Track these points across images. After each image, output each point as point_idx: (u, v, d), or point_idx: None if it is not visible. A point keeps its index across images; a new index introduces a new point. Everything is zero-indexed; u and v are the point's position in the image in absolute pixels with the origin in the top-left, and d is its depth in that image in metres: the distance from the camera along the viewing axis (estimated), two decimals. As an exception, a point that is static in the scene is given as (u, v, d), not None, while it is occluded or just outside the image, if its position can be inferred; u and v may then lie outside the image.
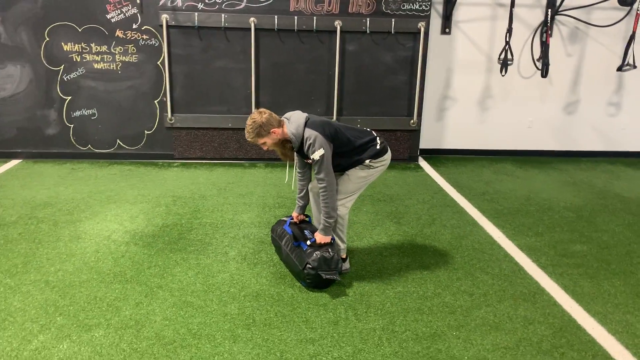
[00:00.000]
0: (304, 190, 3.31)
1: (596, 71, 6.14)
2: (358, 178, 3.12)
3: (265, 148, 3.05)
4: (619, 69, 5.66)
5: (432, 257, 3.52)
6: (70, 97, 5.47)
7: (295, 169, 3.30)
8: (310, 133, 2.92)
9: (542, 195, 4.90)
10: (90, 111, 5.53)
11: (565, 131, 6.35)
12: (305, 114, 3.01)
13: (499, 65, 5.77)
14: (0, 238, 3.64)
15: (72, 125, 5.54)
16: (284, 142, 3.04)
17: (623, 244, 3.82)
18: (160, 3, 5.23)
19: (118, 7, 5.23)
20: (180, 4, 5.24)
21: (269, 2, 5.30)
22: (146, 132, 5.63)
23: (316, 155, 2.91)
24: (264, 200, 4.54)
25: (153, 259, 3.38)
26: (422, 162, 5.97)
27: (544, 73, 5.66)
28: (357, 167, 3.11)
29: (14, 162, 5.49)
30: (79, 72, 5.40)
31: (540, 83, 6.11)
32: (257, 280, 3.13)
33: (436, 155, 6.27)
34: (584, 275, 3.31)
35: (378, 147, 3.13)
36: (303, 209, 3.38)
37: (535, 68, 5.98)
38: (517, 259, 3.52)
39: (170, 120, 5.56)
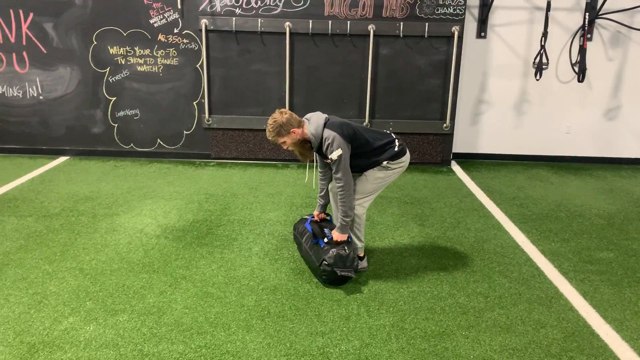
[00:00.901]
0: (325, 190, 3.41)
1: (639, 76, 5.96)
2: (376, 179, 3.19)
3: (285, 147, 3.16)
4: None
5: (452, 259, 3.54)
6: (115, 98, 5.77)
7: (317, 169, 3.40)
8: (329, 133, 3.01)
9: (574, 201, 4.81)
10: (133, 111, 5.81)
11: (606, 137, 6.19)
12: (325, 115, 3.11)
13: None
14: (43, 228, 3.90)
15: (116, 125, 5.84)
16: (304, 142, 3.14)
17: (653, 253, 3.73)
18: (200, 8, 5.45)
19: (161, 12, 5.49)
20: (219, 10, 5.45)
21: (304, 7, 5.44)
22: (185, 132, 5.87)
23: (334, 155, 3.00)
24: (292, 199, 4.66)
25: (180, 251, 3.55)
26: (455, 166, 5.96)
27: (581, 78, 5.55)
28: (375, 168, 3.18)
29: (62, 159, 5.83)
30: (123, 74, 5.69)
31: (579, 88, 5.99)
32: (276, 275, 3.25)
33: (470, 160, 6.23)
34: (606, 282, 3.26)
35: (396, 149, 3.19)
36: (324, 207, 3.48)
37: (573, 73, 5.86)
38: (538, 264, 3.50)
39: (208, 121, 5.78)
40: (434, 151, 5.90)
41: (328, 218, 3.53)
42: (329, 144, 3.01)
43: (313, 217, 3.51)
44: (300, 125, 3.10)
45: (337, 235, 3.15)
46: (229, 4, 5.44)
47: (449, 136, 5.87)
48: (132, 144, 5.92)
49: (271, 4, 5.43)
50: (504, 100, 6.09)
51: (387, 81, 5.67)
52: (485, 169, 5.88)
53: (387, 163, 3.16)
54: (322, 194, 3.43)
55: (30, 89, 5.75)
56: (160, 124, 5.85)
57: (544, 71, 5.75)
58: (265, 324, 2.72)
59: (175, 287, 3.08)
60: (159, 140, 5.90)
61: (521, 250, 3.72)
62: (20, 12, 5.51)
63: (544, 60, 5.61)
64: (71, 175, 5.25)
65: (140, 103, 5.78)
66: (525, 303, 2.99)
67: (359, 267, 3.28)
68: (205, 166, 5.73)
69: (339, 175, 3.05)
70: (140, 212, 4.28)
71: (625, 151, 6.23)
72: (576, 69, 5.72)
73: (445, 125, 5.77)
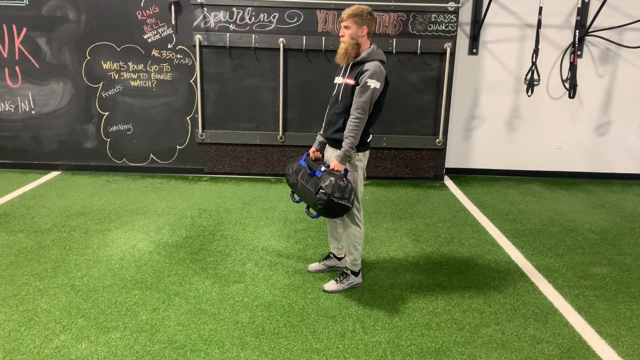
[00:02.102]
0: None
1: (628, 92, 6.04)
2: (354, 182, 3.12)
3: (342, 34, 3.06)
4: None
5: (446, 275, 3.53)
6: (107, 113, 5.75)
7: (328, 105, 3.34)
8: (379, 66, 3.00)
9: (567, 216, 4.83)
10: (126, 126, 5.79)
11: (597, 153, 6.24)
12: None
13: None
14: (34, 244, 3.86)
15: (108, 140, 5.82)
16: (356, 47, 3.05)
17: (646, 268, 3.74)
18: (194, 24, 5.47)
19: (154, 27, 5.50)
20: (212, 25, 5.47)
21: (297, 24, 5.47)
22: (178, 147, 5.85)
23: (370, 83, 2.94)
24: (286, 215, 4.65)
25: (173, 267, 3.52)
26: (448, 182, 5.97)
27: (572, 94, 5.61)
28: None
29: (53, 174, 5.79)
30: (116, 89, 5.69)
31: (570, 104, 6.05)
32: (270, 291, 3.22)
33: (463, 175, 6.26)
34: (600, 298, 3.27)
35: (369, 139, 3.17)
36: (322, 145, 3.37)
37: (564, 89, 5.93)
38: (533, 279, 3.50)
39: (201, 136, 5.77)
40: (427, 166, 5.93)
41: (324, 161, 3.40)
42: (372, 70, 2.96)
43: (308, 154, 3.38)
44: (370, 37, 3.08)
45: (334, 164, 3.03)
46: (222, 20, 5.46)
47: (441, 151, 5.89)
48: (124, 159, 5.89)
49: (265, 20, 5.47)
50: (496, 116, 6.14)
51: (380, 97, 5.69)
52: (478, 184, 5.90)
53: (357, 157, 3.10)
54: (324, 131, 3.34)
55: (23, 104, 5.72)
56: (153, 139, 5.83)
57: (535, 87, 5.81)
58: (260, 341, 2.69)
59: (169, 303, 3.05)
60: (151, 155, 5.88)
61: (515, 265, 3.73)
62: (14, 27, 5.51)
63: (535, 76, 5.67)
64: (63, 190, 5.21)
65: (133, 118, 5.77)
66: (521, 319, 2.99)
67: (354, 283, 3.26)
68: (199, 181, 5.71)
69: (360, 106, 2.96)
70: (132, 227, 4.24)
71: (615, 166, 6.28)
72: (567, 85, 5.78)
73: (438, 140, 5.80)
